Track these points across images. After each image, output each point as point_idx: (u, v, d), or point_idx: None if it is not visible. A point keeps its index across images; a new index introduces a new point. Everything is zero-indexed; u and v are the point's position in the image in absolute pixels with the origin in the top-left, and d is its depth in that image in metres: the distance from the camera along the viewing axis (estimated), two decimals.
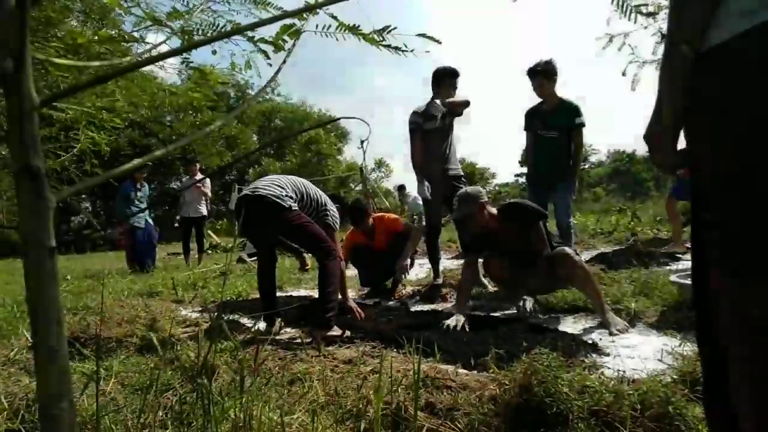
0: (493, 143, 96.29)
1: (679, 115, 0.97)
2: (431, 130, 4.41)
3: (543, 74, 4.34)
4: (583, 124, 4.34)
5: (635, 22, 1.06)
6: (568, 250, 3.04)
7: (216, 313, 3.34)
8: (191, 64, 1.81)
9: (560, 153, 4.43)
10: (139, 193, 7.90)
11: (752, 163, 0.79)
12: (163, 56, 0.81)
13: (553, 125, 4.43)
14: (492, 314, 3.36)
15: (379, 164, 36.76)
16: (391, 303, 4.04)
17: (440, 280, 4.45)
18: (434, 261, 4.55)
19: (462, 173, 4.54)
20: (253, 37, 1.12)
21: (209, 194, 8.77)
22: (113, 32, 2.27)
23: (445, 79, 4.42)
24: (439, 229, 4.64)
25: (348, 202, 4.91)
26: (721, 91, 0.85)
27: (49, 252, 0.52)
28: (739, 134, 0.82)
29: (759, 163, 0.78)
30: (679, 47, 0.92)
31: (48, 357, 0.52)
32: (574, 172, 4.47)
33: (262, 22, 0.86)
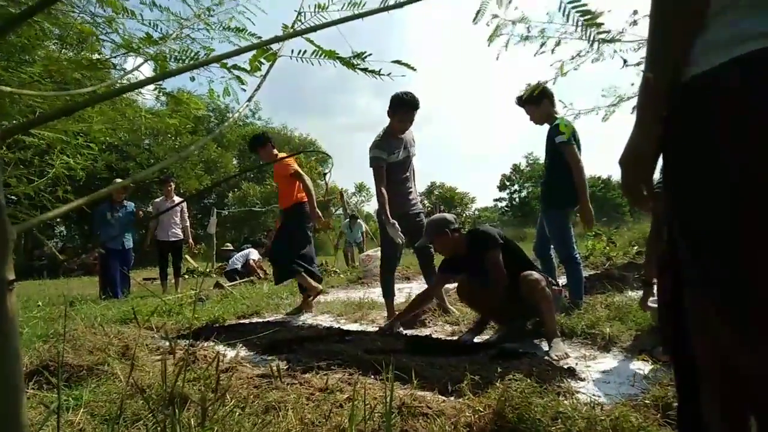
0: (473, 168, 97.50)
1: (655, 143, 0.97)
2: (394, 164, 4.11)
3: (528, 101, 3.80)
4: (565, 143, 3.69)
5: (598, 47, 1.11)
6: (534, 273, 3.10)
7: (188, 341, 3.27)
8: (165, 91, 1.81)
9: (547, 177, 4.03)
10: (117, 214, 7.18)
11: (726, 193, 0.80)
12: (135, 86, 0.82)
13: (547, 149, 3.97)
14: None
15: (360, 188, 36.80)
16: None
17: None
18: (386, 296, 4.22)
19: (421, 208, 4.35)
20: (227, 63, 1.13)
21: (188, 222, 7.98)
22: (94, 56, 2.27)
23: (402, 107, 4.02)
24: (394, 263, 4.28)
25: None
26: (697, 120, 0.87)
27: (7, 285, 0.51)
28: (714, 159, 0.83)
29: (734, 194, 0.80)
30: (656, 77, 0.93)
31: (4, 391, 0.51)
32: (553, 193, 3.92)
33: (236, 52, 0.88)
